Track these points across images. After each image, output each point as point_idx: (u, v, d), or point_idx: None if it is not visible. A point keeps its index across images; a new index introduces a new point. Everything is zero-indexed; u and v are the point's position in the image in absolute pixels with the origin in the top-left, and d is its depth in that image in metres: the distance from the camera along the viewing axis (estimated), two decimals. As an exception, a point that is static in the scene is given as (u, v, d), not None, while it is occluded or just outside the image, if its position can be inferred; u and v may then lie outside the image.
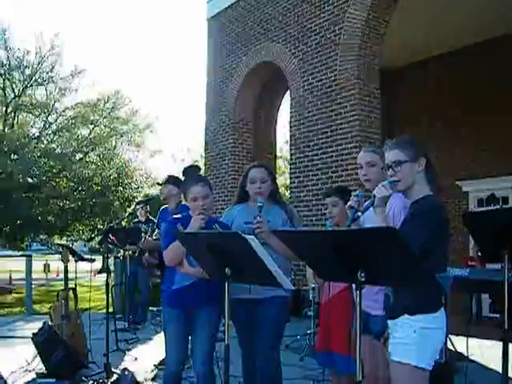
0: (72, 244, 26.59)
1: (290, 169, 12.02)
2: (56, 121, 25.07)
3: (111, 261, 11.51)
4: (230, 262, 3.12)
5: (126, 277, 9.91)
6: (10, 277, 23.93)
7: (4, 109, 23.94)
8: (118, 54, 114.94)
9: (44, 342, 6.33)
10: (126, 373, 5.81)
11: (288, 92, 12.77)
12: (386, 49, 10.96)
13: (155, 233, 7.31)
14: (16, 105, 23.96)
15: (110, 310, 7.55)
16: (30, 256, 12.98)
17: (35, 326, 8.48)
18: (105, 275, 6.83)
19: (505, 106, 12.63)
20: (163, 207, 6.88)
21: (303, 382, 6.19)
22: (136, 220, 10.61)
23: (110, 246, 7.42)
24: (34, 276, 13.75)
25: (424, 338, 2.90)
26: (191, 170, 4.87)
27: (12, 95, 23.96)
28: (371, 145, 4.61)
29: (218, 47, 14.32)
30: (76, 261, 7.11)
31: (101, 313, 9.67)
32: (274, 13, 12.42)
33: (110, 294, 6.83)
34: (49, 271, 25.52)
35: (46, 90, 24.97)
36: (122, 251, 9.99)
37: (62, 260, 6.87)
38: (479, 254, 4.71)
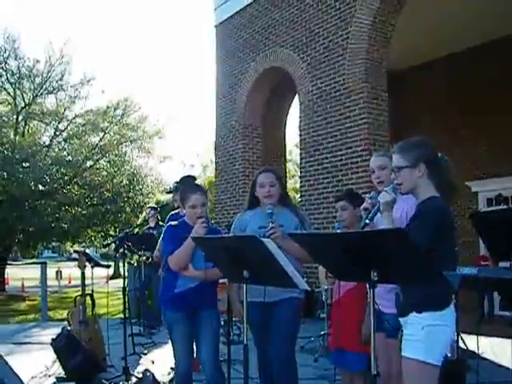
0: (85, 250, 26.77)
1: (301, 172, 12.13)
2: (66, 128, 25.17)
3: (125, 267, 11.62)
4: (248, 265, 3.24)
5: (141, 282, 10.03)
6: (23, 284, 24.15)
7: (15, 117, 24.09)
8: (127, 61, 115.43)
9: (63, 347, 6.47)
10: (148, 374, 5.94)
11: (296, 96, 12.87)
12: (393, 51, 11.06)
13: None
14: (27, 113, 24.11)
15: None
16: (45, 263, 13.12)
17: (51, 332, 8.66)
18: (117, 281, 6.97)
19: (512, 106, 12.73)
20: (173, 212, 7.03)
21: (318, 383, 6.30)
22: (148, 226, 10.73)
23: (125, 252, 7.54)
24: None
25: (431, 335, 2.99)
26: (188, 180, 5.05)
27: (22, 104, 24.08)
28: (381, 149, 4.74)
29: (226, 53, 14.45)
30: (92, 267, 7.24)
31: (115, 318, 9.81)
32: (281, 18, 12.55)
33: (126, 299, 6.96)
34: (61, 278, 25.71)
35: (56, 98, 25.14)
36: (134, 257, 10.12)
37: (79, 266, 6.99)
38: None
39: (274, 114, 14.56)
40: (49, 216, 22.83)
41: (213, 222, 12.47)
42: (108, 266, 7.86)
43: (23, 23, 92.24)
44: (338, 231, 4.24)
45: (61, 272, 25.87)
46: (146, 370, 6.20)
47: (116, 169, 25.31)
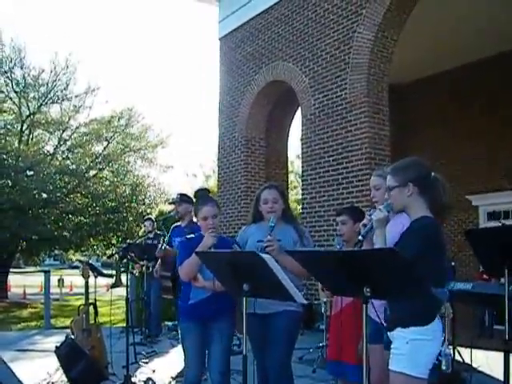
0: (89, 259, 26.92)
1: (302, 185, 12.23)
2: (70, 138, 25.33)
3: (128, 276, 11.76)
4: (248, 279, 3.39)
5: (143, 291, 10.14)
6: (24, 291, 24.28)
7: (19, 126, 24.26)
8: (132, 71, 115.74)
9: (66, 355, 6.57)
10: (150, 382, 6.07)
11: (299, 109, 13.00)
12: (395, 65, 11.20)
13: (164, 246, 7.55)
14: (31, 122, 24.25)
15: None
16: (49, 271, 13.23)
17: (54, 339, 8.77)
18: (118, 289, 7.09)
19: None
20: (175, 224, 7.20)
21: (316, 393, 6.41)
22: (145, 235, 10.85)
23: (129, 261, 7.67)
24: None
25: (416, 349, 3.11)
26: (202, 193, 5.31)
27: (27, 112, 24.19)
28: (380, 168, 4.85)
29: (230, 66, 14.59)
30: (96, 276, 7.36)
31: (117, 327, 9.91)
32: (284, 32, 12.69)
33: (128, 308, 7.08)
34: (63, 286, 25.85)
35: (60, 107, 25.33)
36: (136, 267, 10.23)
37: (83, 276, 7.11)
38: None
39: (277, 127, 14.68)
40: (52, 224, 23.00)
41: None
42: (112, 276, 7.99)
43: (29, 32, 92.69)
44: (334, 248, 4.36)
45: (63, 280, 26.02)
46: (148, 379, 6.32)
47: (119, 178, 25.47)
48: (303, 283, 9.55)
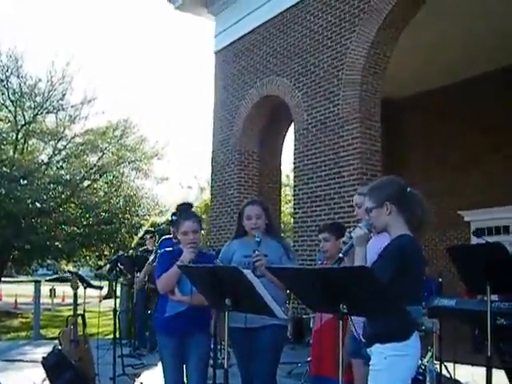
0: (78, 269, 26.85)
1: (294, 199, 12.26)
2: (65, 147, 25.31)
3: (118, 288, 11.75)
4: (230, 294, 3.42)
5: (133, 304, 10.14)
6: (16, 301, 24.19)
7: (15, 135, 24.29)
8: (128, 82, 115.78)
9: (53, 366, 6.57)
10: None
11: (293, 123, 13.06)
12: (388, 80, 11.29)
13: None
14: (26, 131, 24.30)
15: (117, 335, 7.78)
16: (39, 281, 13.23)
17: (43, 350, 8.74)
18: (110, 300, 7.09)
19: (509, 137, 12.98)
20: (164, 237, 7.19)
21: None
22: (143, 248, 10.87)
23: (118, 273, 7.68)
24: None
25: (394, 365, 3.13)
26: (185, 207, 5.31)
27: (23, 121, 24.23)
28: (364, 185, 4.89)
29: (225, 79, 14.65)
30: (85, 287, 7.38)
31: (106, 338, 9.90)
32: (278, 47, 12.76)
33: (116, 320, 7.09)
34: (55, 296, 25.76)
35: (56, 117, 25.34)
36: (127, 278, 10.24)
37: (72, 287, 7.13)
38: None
39: (271, 141, 14.71)
40: (45, 234, 22.96)
41: (208, 244, 12.58)
42: (100, 288, 7.98)
43: (29, 33, 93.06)
44: (315, 265, 4.40)
45: (54, 290, 25.93)
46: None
47: (113, 189, 25.46)
48: (293, 297, 9.56)
